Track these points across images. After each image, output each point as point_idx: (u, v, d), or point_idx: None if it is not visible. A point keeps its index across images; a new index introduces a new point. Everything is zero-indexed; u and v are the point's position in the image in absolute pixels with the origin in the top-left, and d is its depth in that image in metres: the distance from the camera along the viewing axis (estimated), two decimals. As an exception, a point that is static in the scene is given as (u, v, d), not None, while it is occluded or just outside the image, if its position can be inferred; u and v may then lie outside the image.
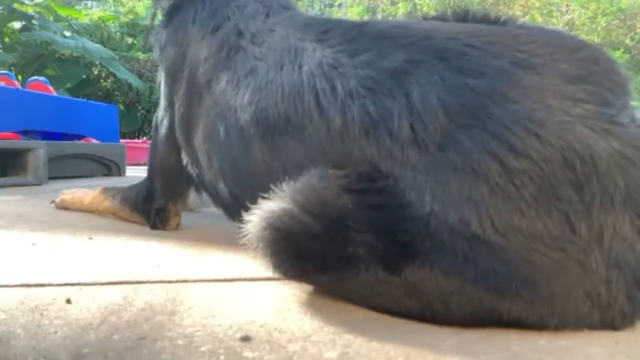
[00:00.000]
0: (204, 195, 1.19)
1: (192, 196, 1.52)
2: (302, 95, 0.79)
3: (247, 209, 0.74)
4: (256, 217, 0.70)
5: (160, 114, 1.22)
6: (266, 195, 0.72)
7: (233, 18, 1.06)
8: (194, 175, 1.14)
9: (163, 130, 1.19)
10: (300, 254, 0.68)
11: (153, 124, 1.31)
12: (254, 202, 0.73)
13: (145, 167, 1.32)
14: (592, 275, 0.61)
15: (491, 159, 0.61)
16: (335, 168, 0.72)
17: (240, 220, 0.75)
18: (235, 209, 0.94)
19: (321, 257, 0.67)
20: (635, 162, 0.62)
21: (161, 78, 1.23)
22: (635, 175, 0.62)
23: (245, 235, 0.71)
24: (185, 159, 1.15)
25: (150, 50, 1.37)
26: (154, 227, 1.24)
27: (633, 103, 0.69)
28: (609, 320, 0.63)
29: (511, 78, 0.65)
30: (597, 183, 0.60)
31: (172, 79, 1.15)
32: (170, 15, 1.22)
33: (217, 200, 1.10)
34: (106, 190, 1.42)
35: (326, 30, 0.85)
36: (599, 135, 0.62)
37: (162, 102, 1.21)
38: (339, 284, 0.68)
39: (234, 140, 0.90)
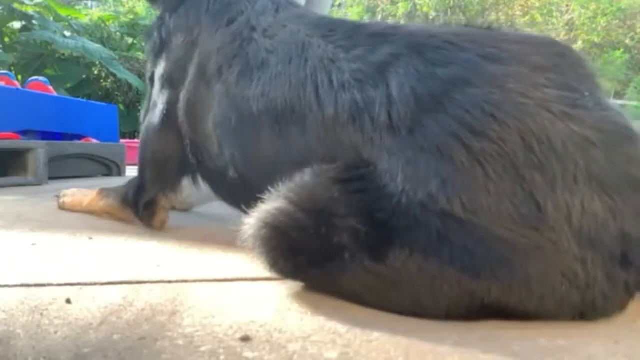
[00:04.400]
0: (201, 184, 1.19)
1: (187, 192, 1.52)
2: (305, 87, 0.85)
3: (255, 194, 0.79)
4: (253, 220, 0.74)
5: (158, 100, 1.20)
6: (263, 198, 0.75)
7: (245, 13, 1.09)
8: (195, 162, 1.14)
9: (158, 118, 1.18)
10: (293, 248, 0.70)
11: (141, 115, 1.30)
12: (263, 186, 0.79)
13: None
14: (566, 255, 0.62)
15: (453, 140, 0.66)
16: (328, 158, 0.77)
17: (247, 205, 0.79)
18: (242, 195, 0.98)
19: (312, 250, 0.69)
20: (596, 144, 0.64)
21: (157, 65, 1.22)
22: (597, 156, 0.63)
23: (243, 237, 0.74)
24: (186, 145, 1.14)
25: None
26: (141, 220, 1.24)
27: (605, 95, 0.72)
28: (590, 302, 0.64)
29: (477, 68, 0.70)
30: (557, 163, 0.63)
31: (178, 65, 1.16)
32: (180, 0, 1.21)
33: (220, 187, 1.12)
34: (102, 191, 1.42)
35: (332, 28, 0.91)
36: (557, 118, 0.65)
37: (159, 89, 1.20)
38: (332, 279, 0.70)
39: (247, 128, 0.95)
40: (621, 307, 0.67)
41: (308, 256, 0.70)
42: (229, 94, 0.99)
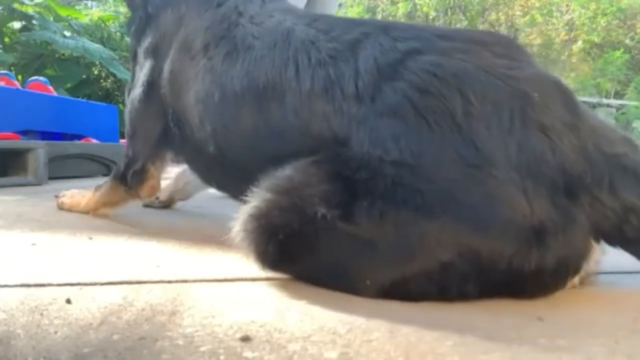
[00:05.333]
0: (181, 157, 1.24)
1: (185, 180, 1.60)
2: (287, 66, 0.92)
3: (232, 170, 0.96)
4: (241, 216, 0.80)
5: (141, 74, 1.25)
6: (247, 197, 0.82)
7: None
8: (177, 133, 1.18)
9: (141, 87, 1.23)
10: (274, 227, 0.76)
11: (126, 92, 1.36)
12: (241, 161, 0.96)
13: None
14: (507, 186, 0.69)
15: (405, 101, 0.76)
16: (303, 130, 0.87)
17: (223, 181, 1.01)
18: (220, 170, 1.09)
19: (290, 224, 0.75)
20: (530, 93, 0.74)
21: (142, 40, 1.28)
22: (532, 103, 0.73)
23: (233, 238, 0.81)
24: (168, 114, 1.18)
25: None
26: (130, 189, 1.27)
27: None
28: (542, 230, 0.69)
29: (430, 43, 0.82)
30: (493, 111, 0.73)
31: (164, 38, 1.22)
32: None
33: (198, 162, 1.18)
34: (97, 185, 1.43)
35: (316, 19, 1.00)
36: (495, 77, 0.75)
37: (144, 62, 1.26)
38: (310, 253, 0.76)
39: (229, 104, 1.01)
40: (582, 246, 0.72)
41: (286, 230, 0.75)
42: (214, 71, 1.05)
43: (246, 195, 0.85)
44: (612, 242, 0.77)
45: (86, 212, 1.43)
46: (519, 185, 0.69)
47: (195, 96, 1.09)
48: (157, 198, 1.63)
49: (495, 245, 0.69)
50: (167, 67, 1.19)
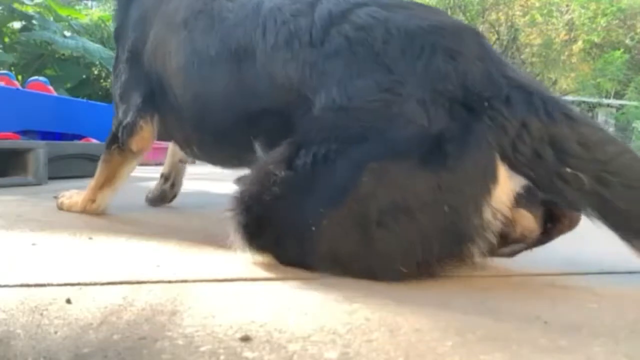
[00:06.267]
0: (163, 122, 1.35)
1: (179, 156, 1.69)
2: (256, 30, 1.03)
3: (208, 129, 1.15)
4: (230, 206, 0.91)
5: (126, 47, 1.40)
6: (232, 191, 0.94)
7: None
8: (161, 100, 1.29)
9: (126, 55, 1.39)
10: (250, 207, 0.87)
11: (112, 68, 1.50)
12: (217, 120, 1.12)
13: (144, 167, 1.33)
14: (410, 101, 0.80)
15: (344, 40, 0.89)
16: (269, 83, 0.98)
17: (198, 141, 1.21)
18: (199, 134, 1.23)
19: (258, 194, 0.87)
20: (445, 29, 0.88)
21: (127, 18, 1.44)
22: (446, 35, 0.86)
23: (229, 238, 0.89)
24: (152, 81, 1.30)
25: None
26: (123, 146, 1.35)
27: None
28: (440, 139, 0.77)
29: None
30: (408, 42, 0.85)
31: (146, 15, 1.37)
32: None
33: (180, 126, 1.28)
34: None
35: None
36: (419, 19, 0.89)
37: (128, 35, 1.41)
38: (276, 216, 0.85)
39: (206, 69, 1.14)
40: (484, 159, 0.77)
41: (254, 198, 0.87)
42: (193, 41, 1.18)
43: (222, 160, 1.17)
44: (512, 164, 0.79)
45: (85, 208, 1.44)
46: (421, 100, 0.79)
47: (176, 65, 1.21)
48: (162, 176, 1.70)
49: (402, 162, 0.78)
50: (150, 40, 1.31)
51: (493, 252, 0.85)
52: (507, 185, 0.79)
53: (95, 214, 1.45)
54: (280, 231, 0.87)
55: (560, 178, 0.77)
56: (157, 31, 1.30)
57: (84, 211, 1.44)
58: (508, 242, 0.86)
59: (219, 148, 1.24)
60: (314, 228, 0.81)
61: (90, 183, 1.45)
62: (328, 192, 0.80)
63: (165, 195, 1.70)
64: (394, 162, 0.78)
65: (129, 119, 1.33)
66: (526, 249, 0.92)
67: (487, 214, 0.78)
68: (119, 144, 1.36)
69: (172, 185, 1.71)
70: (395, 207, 0.78)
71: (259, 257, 0.90)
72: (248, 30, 1.05)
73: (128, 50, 1.39)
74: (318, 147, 0.82)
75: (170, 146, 1.70)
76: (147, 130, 1.33)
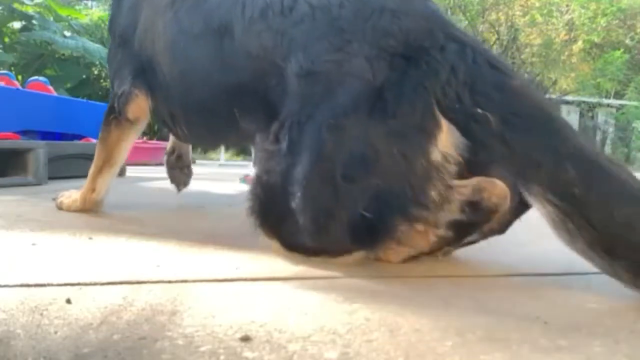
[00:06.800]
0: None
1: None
2: (237, 6, 1.08)
3: (197, 108, 1.22)
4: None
5: (119, 29, 1.50)
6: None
7: None
8: (151, 79, 1.35)
9: (119, 39, 1.48)
10: (254, 184, 0.96)
11: (108, 51, 1.61)
12: (201, 94, 1.18)
13: (144, 167, 1.33)
14: (357, 58, 0.87)
15: (307, 7, 0.95)
16: (246, 55, 1.04)
17: (190, 126, 1.29)
18: (185, 112, 1.29)
19: (259, 174, 0.95)
20: (389, 6, 0.92)
21: (120, 6, 1.52)
22: (393, 3, 0.92)
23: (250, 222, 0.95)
24: (143, 61, 1.37)
25: None
26: (120, 116, 1.40)
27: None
28: (382, 89, 0.83)
29: None
30: (362, 3, 0.93)
31: (139, 1, 1.44)
32: None
33: (168, 105, 1.33)
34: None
35: None
36: None
37: (122, 22, 1.49)
38: (274, 191, 0.91)
39: (191, 47, 1.21)
40: (421, 104, 0.82)
41: (260, 183, 0.94)
42: (179, 21, 1.24)
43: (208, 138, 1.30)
44: (441, 108, 0.83)
45: (85, 200, 1.45)
46: (367, 56, 0.86)
47: (163, 45, 1.28)
48: (166, 153, 1.81)
49: (354, 116, 0.84)
50: (140, 24, 1.39)
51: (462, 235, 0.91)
52: (450, 127, 0.83)
53: (95, 208, 1.47)
54: (279, 208, 0.91)
55: (473, 119, 0.80)
56: (146, 15, 1.38)
57: (84, 205, 1.46)
58: (480, 211, 0.86)
59: (204, 125, 1.29)
60: (299, 195, 0.87)
61: (90, 172, 1.48)
62: (304, 157, 0.87)
63: (172, 165, 1.81)
64: (346, 117, 0.85)
65: (124, 87, 1.39)
66: (487, 235, 0.96)
67: (436, 156, 0.82)
68: (115, 114, 1.41)
69: (178, 157, 1.80)
70: (355, 160, 0.84)
71: (272, 244, 0.95)
72: (229, 8, 1.10)
73: (120, 35, 1.48)
74: (295, 115, 0.90)
75: None
76: (142, 98, 1.38)
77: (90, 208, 1.46)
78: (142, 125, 1.48)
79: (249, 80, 1.04)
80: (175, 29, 1.25)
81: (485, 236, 0.96)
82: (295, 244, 0.92)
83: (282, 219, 0.91)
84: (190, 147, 1.84)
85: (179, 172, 1.81)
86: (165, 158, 1.83)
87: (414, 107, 0.82)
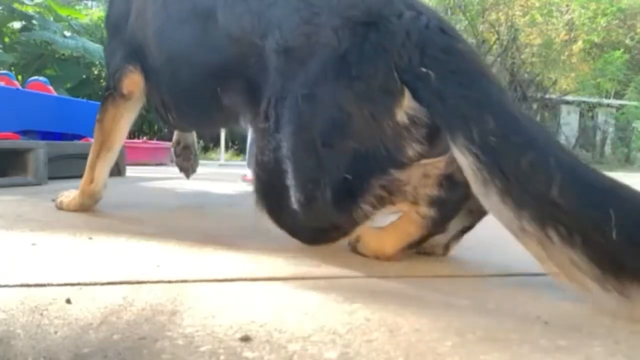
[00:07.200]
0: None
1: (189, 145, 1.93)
2: None
3: (184, 91, 1.29)
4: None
5: (113, 19, 1.58)
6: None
7: None
8: (144, 63, 1.42)
9: (113, 28, 1.57)
10: (254, 167, 1.04)
11: (105, 45, 1.72)
12: (189, 81, 1.26)
13: (144, 167, 1.33)
14: (325, 29, 0.92)
15: None
16: (227, 36, 1.11)
17: (179, 111, 1.37)
18: (174, 96, 1.36)
19: (256, 155, 1.02)
20: None
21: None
22: None
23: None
24: (136, 45, 1.44)
25: None
26: (115, 91, 1.44)
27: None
28: (345, 54, 0.89)
29: None
30: None
31: None
32: None
33: (159, 90, 1.40)
34: None
35: None
36: None
37: (116, 12, 1.57)
38: (267, 168, 0.98)
39: (178, 33, 1.28)
40: (382, 70, 0.87)
41: (257, 163, 1.02)
42: (167, 9, 1.32)
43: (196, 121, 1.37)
44: (398, 70, 0.87)
45: (84, 192, 1.47)
46: (334, 27, 0.91)
47: (153, 31, 1.35)
48: (173, 144, 1.91)
49: (324, 84, 0.90)
50: (132, 14, 1.46)
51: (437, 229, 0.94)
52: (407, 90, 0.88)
53: (94, 200, 1.48)
54: (276, 188, 0.96)
55: (418, 78, 0.85)
56: (137, 5, 1.45)
57: (83, 199, 1.47)
58: (457, 185, 0.88)
59: (192, 108, 1.35)
60: (289, 170, 0.93)
61: (88, 161, 1.51)
62: (288, 132, 0.93)
63: (179, 154, 1.91)
64: (318, 86, 0.91)
65: (118, 63, 1.47)
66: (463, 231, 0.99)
67: (402, 117, 0.86)
68: (111, 90, 1.47)
69: (185, 148, 1.89)
70: (331, 126, 0.90)
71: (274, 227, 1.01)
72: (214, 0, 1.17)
73: (113, 25, 1.56)
74: (278, 91, 0.96)
75: None
76: (136, 74, 1.43)
77: (89, 203, 1.48)
78: (136, 102, 1.50)
79: (232, 62, 1.10)
80: (163, 16, 1.32)
81: (475, 217, 0.97)
82: (293, 226, 0.98)
83: (280, 199, 0.96)
84: (194, 137, 1.93)
85: (186, 161, 1.90)
86: (172, 149, 1.93)
87: (376, 66, 0.88)
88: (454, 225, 0.98)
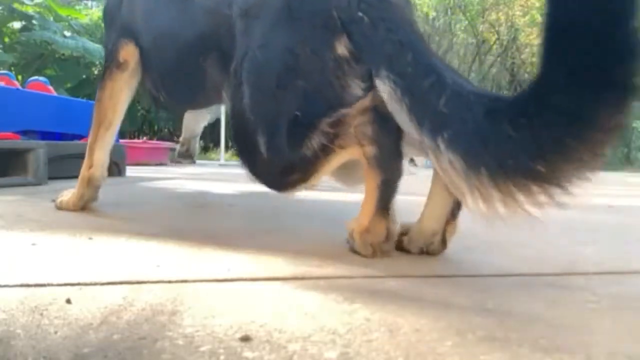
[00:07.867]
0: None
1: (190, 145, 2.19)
2: None
3: (170, 69, 1.41)
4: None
5: (108, 11, 1.67)
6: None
7: None
8: (134, 30, 1.51)
9: (108, 17, 1.66)
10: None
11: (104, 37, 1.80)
12: (173, 60, 1.37)
13: (144, 167, 1.34)
14: (301, 25, 1.01)
15: None
16: (207, 16, 1.23)
17: (167, 89, 1.47)
18: (162, 76, 1.46)
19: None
20: None
21: None
22: None
23: None
24: (130, 29, 1.53)
25: None
26: (112, 62, 1.52)
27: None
28: (289, 6, 1.02)
29: None
30: None
31: None
32: None
33: (150, 72, 1.49)
34: None
35: None
36: None
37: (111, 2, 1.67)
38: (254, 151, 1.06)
39: (162, 16, 1.40)
40: (322, 8, 0.99)
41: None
42: None
43: (185, 97, 1.45)
44: (342, 17, 0.97)
45: (83, 180, 1.50)
46: (305, 25, 1.00)
47: (141, 16, 1.47)
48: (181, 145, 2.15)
49: (277, 31, 1.02)
50: (124, 3, 1.56)
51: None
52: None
53: (93, 189, 1.51)
54: (243, 135, 1.09)
55: (354, 20, 0.96)
56: None
57: (82, 190, 1.49)
58: (384, 121, 0.95)
59: (178, 84, 1.44)
60: (252, 117, 1.04)
61: (87, 146, 1.56)
62: (251, 82, 1.04)
63: (182, 155, 2.16)
64: (270, 33, 1.04)
65: (114, 39, 1.55)
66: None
67: (342, 50, 0.96)
68: (108, 63, 1.54)
69: (187, 150, 2.14)
70: (282, 68, 1.00)
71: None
72: None
73: (108, 14, 1.66)
74: (242, 49, 1.07)
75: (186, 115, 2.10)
76: (131, 46, 1.51)
77: (89, 194, 1.50)
78: (132, 75, 1.54)
79: (209, 34, 1.21)
80: (152, 1, 1.45)
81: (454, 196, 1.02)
82: (262, 171, 1.08)
83: (252, 147, 1.05)
84: (197, 140, 2.20)
85: (187, 158, 2.19)
86: (177, 148, 2.21)
87: (317, 7, 0.99)
88: (441, 209, 0.99)
